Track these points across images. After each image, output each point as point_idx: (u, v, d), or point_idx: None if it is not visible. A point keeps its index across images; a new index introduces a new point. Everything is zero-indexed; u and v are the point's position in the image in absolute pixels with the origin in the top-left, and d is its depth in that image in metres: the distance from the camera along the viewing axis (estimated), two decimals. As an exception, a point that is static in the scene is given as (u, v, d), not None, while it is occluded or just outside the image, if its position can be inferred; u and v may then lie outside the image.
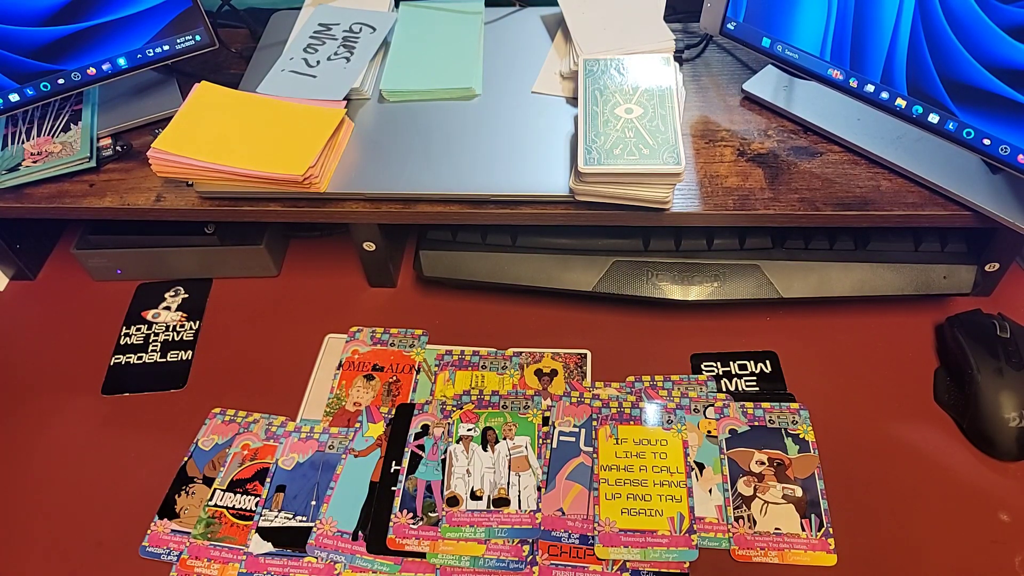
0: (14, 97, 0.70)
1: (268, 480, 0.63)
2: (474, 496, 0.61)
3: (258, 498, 0.62)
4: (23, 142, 0.74)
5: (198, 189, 0.68)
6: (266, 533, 0.60)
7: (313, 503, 0.62)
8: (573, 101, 0.72)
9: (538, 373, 0.70)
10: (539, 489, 0.61)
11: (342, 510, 0.61)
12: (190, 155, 0.65)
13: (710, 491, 0.61)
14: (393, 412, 0.67)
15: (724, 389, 0.68)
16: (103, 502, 0.64)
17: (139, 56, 0.72)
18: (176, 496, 0.63)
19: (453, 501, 0.61)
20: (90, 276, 0.81)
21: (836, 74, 0.66)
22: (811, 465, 0.62)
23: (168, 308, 0.78)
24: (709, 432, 0.64)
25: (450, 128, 0.71)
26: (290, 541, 0.60)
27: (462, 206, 0.66)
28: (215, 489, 0.63)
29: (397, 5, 0.83)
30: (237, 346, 0.74)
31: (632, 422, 0.65)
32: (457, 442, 0.64)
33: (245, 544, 0.60)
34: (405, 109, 0.73)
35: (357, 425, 0.66)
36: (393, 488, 0.62)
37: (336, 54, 0.75)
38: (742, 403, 0.66)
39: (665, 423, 0.64)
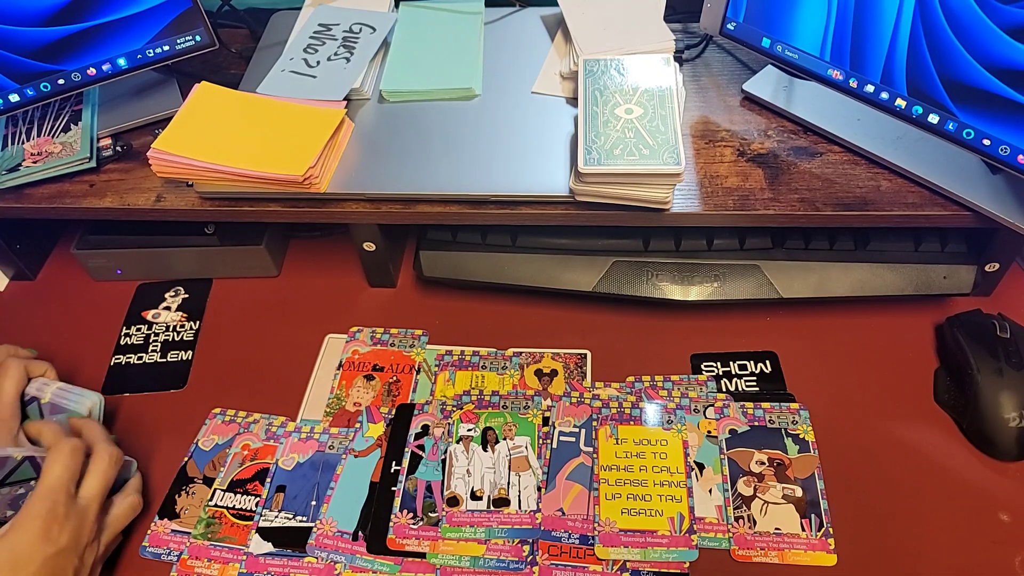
0: (14, 97, 0.70)
1: (268, 480, 0.63)
2: (474, 496, 0.61)
3: (258, 498, 0.62)
4: (23, 142, 0.73)
5: (198, 189, 0.68)
6: (266, 533, 0.60)
7: (313, 503, 0.62)
8: (573, 101, 0.72)
9: (538, 373, 0.70)
10: (539, 489, 0.61)
11: (342, 510, 0.61)
12: (190, 155, 0.65)
13: (710, 491, 0.61)
14: (393, 412, 0.67)
15: (724, 389, 0.68)
16: (103, 502, 0.64)
17: (139, 56, 0.72)
18: (176, 496, 0.63)
19: (453, 501, 0.61)
20: (90, 276, 0.81)
21: (836, 74, 0.66)
22: (811, 465, 0.62)
23: (168, 308, 0.78)
24: (709, 432, 0.64)
25: (450, 128, 0.71)
26: (290, 541, 0.60)
27: (462, 206, 0.66)
28: (215, 489, 0.63)
29: (397, 5, 0.83)
30: (237, 346, 0.74)
31: (632, 422, 0.65)
32: (457, 442, 0.64)
33: (245, 544, 0.60)
34: (405, 109, 0.73)
35: (357, 425, 0.66)
36: (393, 488, 0.62)
37: (336, 54, 0.75)
38: (742, 403, 0.66)
39: (665, 423, 0.64)
